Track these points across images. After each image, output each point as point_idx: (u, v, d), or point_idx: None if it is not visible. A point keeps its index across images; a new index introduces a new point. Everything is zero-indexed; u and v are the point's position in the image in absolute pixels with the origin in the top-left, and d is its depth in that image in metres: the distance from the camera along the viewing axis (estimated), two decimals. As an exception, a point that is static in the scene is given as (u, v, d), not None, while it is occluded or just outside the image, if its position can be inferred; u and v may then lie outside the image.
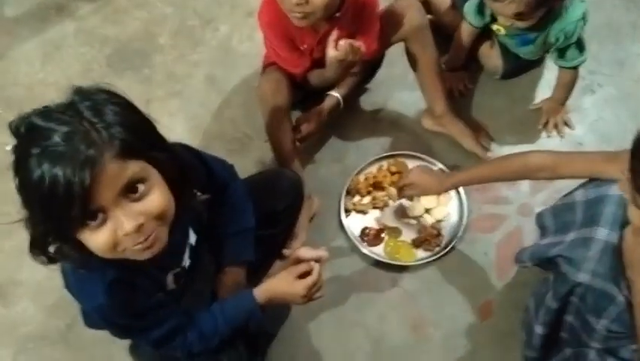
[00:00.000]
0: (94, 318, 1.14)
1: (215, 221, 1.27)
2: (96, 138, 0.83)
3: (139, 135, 0.88)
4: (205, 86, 1.95)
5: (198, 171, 1.19)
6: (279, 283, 1.19)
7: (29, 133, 0.84)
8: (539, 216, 1.36)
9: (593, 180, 1.20)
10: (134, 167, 0.87)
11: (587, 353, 1.20)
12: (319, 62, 1.58)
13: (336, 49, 1.43)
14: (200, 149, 1.24)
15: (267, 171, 1.67)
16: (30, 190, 0.84)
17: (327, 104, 1.72)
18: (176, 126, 1.82)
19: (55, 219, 0.85)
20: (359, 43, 1.44)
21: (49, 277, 1.06)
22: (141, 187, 0.88)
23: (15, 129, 0.86)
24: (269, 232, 1.42)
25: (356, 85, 1.79)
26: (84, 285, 1.01)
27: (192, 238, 1.18)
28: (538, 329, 1.28)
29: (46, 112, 0.85)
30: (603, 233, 1.10)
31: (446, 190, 1.55)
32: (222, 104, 1.91)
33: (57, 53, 2.06)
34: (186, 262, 1.16)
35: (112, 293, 0.99)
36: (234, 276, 1.29)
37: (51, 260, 0.95)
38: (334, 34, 1.44)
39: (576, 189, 1.25)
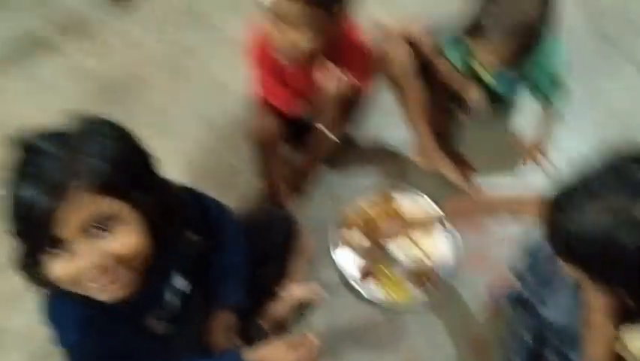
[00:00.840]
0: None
1: (208, 263, 1.25)
2: (73, 167, 0.82)
3: (124, 173, 0.87)
4: (194, 122, 1.96)
5: (192, 209, 1.17)
6: (273, 351, 1.17)
7: (22, 151, 0.84)
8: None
9: None
10: (108, 204, 0.85)
11: None
12: (309, 98, 1.61)
13: (325, 77, 1.47)
14: (192, 187, 1.24)
15: (258, 209, 1.67)
16: (7, 207, 0.83)
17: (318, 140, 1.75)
18: (164, 165, 1.81)
19: (24, 239, 0.85)
20: (347, 75, 1.48)
21: (37, 325, 1.04)
22: (112, 225, 0.86)
23: (13, 144, 0.85)
24: (261, 272, 1.43)
25: (344, 119, 1.81)
26: (59, 320, 1.00)
27: (180, 283, 1.15)
28: None
29: (43, 134, 0.85)
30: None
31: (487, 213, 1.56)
32: (213, 141, 1.92)
33: (43, 88, 2.05)
34: (170, 306, 1.14)
35: (85, 331, 0.98)
36: (225, 320, 1.29)
37: (33, 281, 0.93)
38: (322, 67, 1.47)
39: None
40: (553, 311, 1.17)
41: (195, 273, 1.20)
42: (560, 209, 0.95)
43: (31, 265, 0.90)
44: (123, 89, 2.04)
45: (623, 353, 1.05)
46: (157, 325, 1.13)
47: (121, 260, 0.89)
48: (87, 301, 0.93)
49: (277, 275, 1.52)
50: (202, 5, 2.22)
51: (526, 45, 1.47)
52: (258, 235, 1.39)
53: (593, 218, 0.89)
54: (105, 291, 0.91)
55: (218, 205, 1.30)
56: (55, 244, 0.84)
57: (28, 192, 0.80)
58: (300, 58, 1.45)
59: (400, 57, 1.64)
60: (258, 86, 1.68)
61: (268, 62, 1.54)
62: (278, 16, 1.35)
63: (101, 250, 0.86)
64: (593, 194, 0.91)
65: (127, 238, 0.88)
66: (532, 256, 1.29)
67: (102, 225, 0.85)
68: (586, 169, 0.96)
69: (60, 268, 0.86)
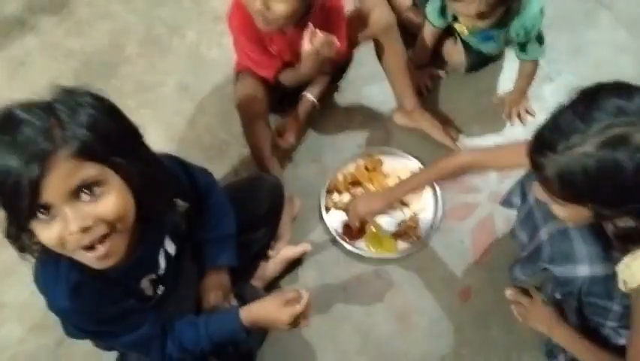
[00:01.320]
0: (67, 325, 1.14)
1: (197, 228, 1.28)
2: (56, 135, 0.84)
3: (106, 140, 0.89)
4: (177, 94, 1.97)
5: (181, 180, 1.21)
6: (266, 308, 1.20)
7: (5, 121, 0.85)
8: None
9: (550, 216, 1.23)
10: (91, 169, 0.87)
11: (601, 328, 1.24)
12: (291, 64, 1.62)
13: (311, 43, 1.45)
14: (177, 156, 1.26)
15: (247, 177, 1.69)
16: None
17: (303, 107, 1.77)
18: (150, 136, 1.81)
19: (9, 207, 0.87)
20: (333, 37, 1.48)
21: (33, 297, 1.06)
22: (96, 190, 0.88)
23: None
24: (252, 236, 1.47)
25: (328, 84, 1.83)
26: (50, 286, 1.02)
27: (170, 247, 1.19)
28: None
29: (27, 105, 0.87)
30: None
31: (392, 204, 1.65)
32: (196, 112, 1.93)
33: (22, 68, 2.04)
34: (161, 269, 1.17)
35: (76, 297, 1.00)
36: (218, 280, 1.32)
37: (22, 249, 0.95)
38: (310, 27, 1.45)
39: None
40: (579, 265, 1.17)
41: (184, 238, 1.24)
42: (550, 148, 0.95)
43: (20, 233, 0.92)
44: (103, 65, 2.04)
45: None
46: (150, 288, 1.16)
47: (107, 223, 0.91)
48: (79, 267, 0.96)
49: (267, 238, 1.55)
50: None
51: None
52: (247, 200, 1.43)
53: (585, 150, 0.90)
54: (101, 260, 0.94)
55: (204, 173, 1.33)
56: (43, 210, 0.86)
57: (13, 162, 0.82)
58: (273, 25, 1.45)
59: (381, 16, 1.64)
60: (240, 54, 1.68)
61: (250, 30, 1.53)
62: None
63: (88, 214, 0.88)
64: (576, 126, 0.92)
65: (113, 202, 0.91)
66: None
67: (87, 189, 0.88)
68: (557, 111, 0.97)
69: (49, 233, 0.88)
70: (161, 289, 1.19)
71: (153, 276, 1.16)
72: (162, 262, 1.17)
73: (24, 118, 0.84)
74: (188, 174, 1.25)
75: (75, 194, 0.87)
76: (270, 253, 1.60)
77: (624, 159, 0.88)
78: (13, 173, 0.82)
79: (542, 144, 0.97)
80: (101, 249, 0.93)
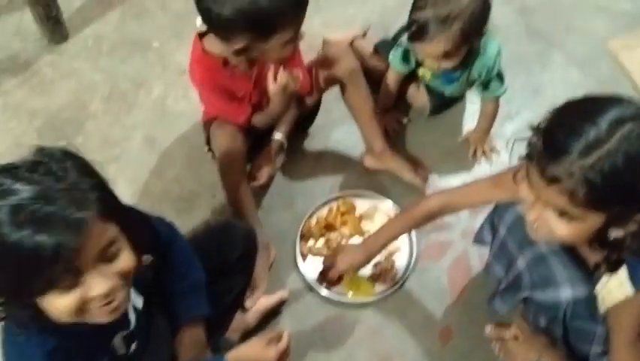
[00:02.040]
0: None
1: (163, 280, 1.25)
2: (80, 199, 0.81)
3: (110, 196, 0.89)
4: (144, 147, 1.95)
5: (145, 231, 1.18)
6: (253, 348, 1.21)
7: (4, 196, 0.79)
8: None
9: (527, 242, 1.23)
10: (112, 228, 0.87)
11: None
12: (259, 107, 1.64)
13: (275, 81, 1.50)
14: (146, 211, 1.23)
15: (216, 224, 1.67)
16: None
17: (274, 147, 1.78)
18: (118, 191, 1.79)
19: (21, 282, 0.82)
20: (296, 70, 1.52)
21: None
22: (113, 249, 0.88)
23: None
24: (225, 285, 1.43)
25: (295, 122, 1.84)
26: (22, 355, 0.97)
27: (137, 301, 1.15)
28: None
29: (11, 169, 0.82)
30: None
31: (374, 257, 1.57)
32: (164, 164, 1.91)
33: (-17, 131, 2.00)
34: (132, 324, 1.13)
35: None
36: (193, 335, 1.27)
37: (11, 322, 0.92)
38: (271, 68, 1.50)
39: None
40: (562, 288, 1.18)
41: (151, 290, 1.20)
42: (566, 153, 0.89)
43: (19, 309, 0.89)
44: (68, 122, 2.02)
45: None
46: (122, 346, 1.11)
47: (124, 278, 0.91)
48: (52, 330, 0.92)
49: (241, 286, 1.51)
50: (141, 33, 2.22)
51: (466, 36, 1.51)
52: (218, 248, 1.39)
53: (609, 147, 0.86)
54: (112, 313, 0.92)
55: (164, 222, 1.30)
56: (68, 278, 0.83)
57: (47, 236, 0.77)
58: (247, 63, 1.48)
59: (346, 61, 1.68)
60: (208, 107, 1.69)
61: (213, 81, 1.55)
62: None
63: (113, 273, 0.88)
64: (587, 125, 0.88)
65: (128, 256, 0.91)
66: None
67: (110, 248, 0.87)
68: (552, 120, 0.94)
69: (69, 300, 0.85)
70: (133, 347, 1.14)
71: (124, 332, 1.11)
72: (132, 317, 1.13)
73: (24, 187, 0.80)
74: (148, 224, 1.22)
75: (102, 256, 0.86)
76: (247, 304, 1.57)
77: None
78: (50, 246, 0.77)
79: (555, 151, 0.91)
80: (115, 302, 0.91)
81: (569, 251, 1.17)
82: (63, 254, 0.78)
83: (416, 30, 1.52)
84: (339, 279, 1.64)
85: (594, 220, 0.95)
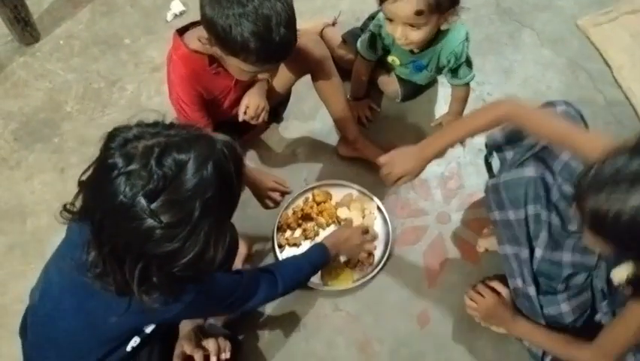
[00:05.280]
0: None
1: None
2: None
3: None
4: (120, 146, 1.95)
5: None
6: (344, 231, 1.64)
7: None
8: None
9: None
10: None
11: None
12: (239, 100, 1.66)
13: (245, 113, 1.62)
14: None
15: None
16: None
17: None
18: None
19: None
20: (262, 106, 1.64)
21: None
22: None
23: None
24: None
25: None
26: None
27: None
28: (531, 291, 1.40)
29: None
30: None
31: (429, 161, 1.48)
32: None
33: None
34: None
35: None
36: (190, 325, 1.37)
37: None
38: (243, 105, 1.62)
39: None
40: None
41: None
42: (597, 185, 0.98)
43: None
44: (44, 123, 2.02)
45: None
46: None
47: None
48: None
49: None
50: (112, 31, 2.22)
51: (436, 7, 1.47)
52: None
53: (628, 204, 0.93)
54: None
55: None
56: None
57: None
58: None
59: (315, 49, 1.68)
60: (177, 107, 1.67)
61: (191, 81, 1.52)
62: None
63: None
64: (626, 181, 0.94)
65: None
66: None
67: None
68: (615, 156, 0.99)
69: None
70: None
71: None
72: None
73: None
74: None
75: None
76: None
77: None
78: None
79: (595, 178, 0.99)
80: None
81: None
82: None
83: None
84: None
85: (605, 246, 1.06)
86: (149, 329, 1.18)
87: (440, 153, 1.47)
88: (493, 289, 1.51)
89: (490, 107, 1.40)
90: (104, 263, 0.95)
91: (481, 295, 1.50)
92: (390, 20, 1.54)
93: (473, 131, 1.42)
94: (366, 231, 1.68)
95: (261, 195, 1.68)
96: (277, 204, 1.70)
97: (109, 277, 0.97)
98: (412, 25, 1.51)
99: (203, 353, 1.30)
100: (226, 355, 1.30)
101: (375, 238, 1.71)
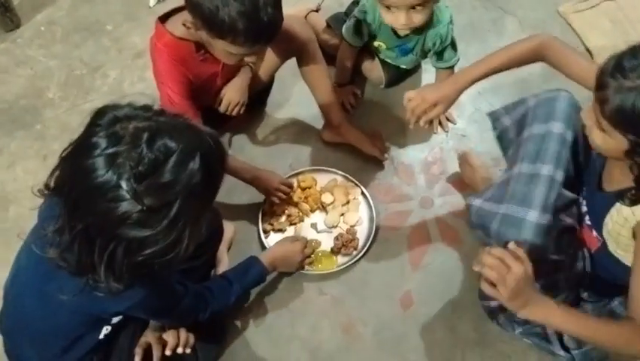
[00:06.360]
0: None
1: None
2: None
3: None
4: (104, 133, 1.94)
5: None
6: (279, 248, 1.59)
7: None
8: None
9: None
10: None
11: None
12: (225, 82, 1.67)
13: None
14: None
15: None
16: None
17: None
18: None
19: None
20: (237, 101, 1.69)
21: None
22: None
23: None
24: (191, 265, 1.46)
25: (251, 99, 1.81)
26: None
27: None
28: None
29: None
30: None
31: (462, 90, 1.44)
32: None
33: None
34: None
35: None
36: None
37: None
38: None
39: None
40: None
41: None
42: (622, 73, 1.01)
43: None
44: (26, 110, 2.00)
45: None
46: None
47: None
48: None
49: (207, 267, 1.56)
50: (93, 17, 2.20)
51: None
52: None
53: None
54: None
55: None
56: None
57: None
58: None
59: (301, 31, 1.68)
60: (164, 97, 1.66)
61: (183, 67, 1.51)
62: None
63: None
64: None
65: None
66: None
67: None
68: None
69: None
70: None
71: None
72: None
73: None
74: None
75: None
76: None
77: None
78: None
79: (617, 67, 1.03)
80: None
81: None
82: None
83: None
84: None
85: (619, 142, 1.06)
86: (115, 320, 1.19)
87: (473, 83, 1.42)
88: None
89: (525, 39, 1.39)
90: (72, 241, 0.93)
91: (507, 265, 1.07)
92: (388, 8, 1.54)
93: (507, 62, 1.39)
94: (305, 246, 1.65)
95: (266, 194, 1.73)
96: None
97: (72, 256, 0.95)
98: (414, 8, 1.51)
99: (162, 345, 1.29)
100: (185, 350, 1.29)
101: (305, 243, 1.66)
